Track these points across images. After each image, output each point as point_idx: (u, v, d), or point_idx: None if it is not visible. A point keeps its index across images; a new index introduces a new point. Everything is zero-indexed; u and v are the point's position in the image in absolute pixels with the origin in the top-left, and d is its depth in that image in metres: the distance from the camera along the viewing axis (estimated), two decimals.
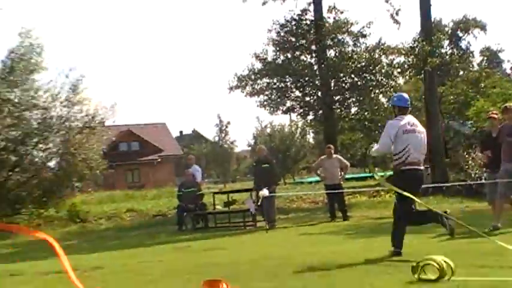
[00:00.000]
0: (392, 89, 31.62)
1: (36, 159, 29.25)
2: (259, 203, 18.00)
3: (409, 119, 10.17)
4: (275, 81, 32.59)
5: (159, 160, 75.20)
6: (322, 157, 21.39)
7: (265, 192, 17.46)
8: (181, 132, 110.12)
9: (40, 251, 14.23)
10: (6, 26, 52.61)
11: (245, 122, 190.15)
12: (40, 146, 28.63)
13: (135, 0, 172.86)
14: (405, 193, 9.44)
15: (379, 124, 31.15)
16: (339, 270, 8.61)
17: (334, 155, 20.87)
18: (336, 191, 20.05)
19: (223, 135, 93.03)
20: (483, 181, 17.38)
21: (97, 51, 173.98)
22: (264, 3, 32.78)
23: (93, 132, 28.85)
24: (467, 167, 27.49)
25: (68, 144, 28.23)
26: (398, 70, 32.28)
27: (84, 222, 27.03)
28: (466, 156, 28.40)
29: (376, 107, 32.47)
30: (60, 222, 27.04)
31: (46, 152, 29.06)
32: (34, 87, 28.41)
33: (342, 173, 20.65)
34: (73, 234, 23.65)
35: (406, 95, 10.78)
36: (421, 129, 10.28)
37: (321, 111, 32.54)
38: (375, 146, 10.69)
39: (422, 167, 10.24)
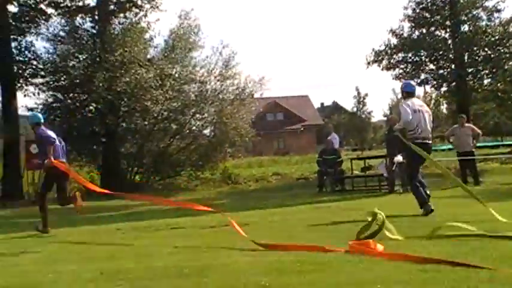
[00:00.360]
0: None
1: (194, 128, 30.25)
2: (393, 168, 17.80)
3: (415, 101, 11.74)
4: (410, 55, 32.13)
5: (302, 129, 75.70)
6: (455, 126, 20.85)
7: (399, 158, 17.23)
8: (322, 103, 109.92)
9: None
10: (167, 8, 54.00)
11: (381, 93, 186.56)
12: (197, 115, 29.62)
13: None
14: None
15: None
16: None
17: (467, 124, 20.32)
18: (468, 158, 19.55)
19: (361, 106, 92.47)
20: None
21: (247, 30, 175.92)
22: None
23: (243, 104, 29.45)
24: None
25: (221, 114, 28.97)
26: None
27: (235, 183, 27.75)
28: None
29: (509, 78, 31.19)
30: (214, 183, 27.94)
31: (202, 121, 30.02)
32: (192, 63, 29.35)
33: (474, 140, 20.07)
34: (225, 194, 24.33)
35: (412, 82, 13.45)
36: (427, 109, 11.73)
37: (454, 83, 31.68)
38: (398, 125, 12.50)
39: (430, 141, 11.79)
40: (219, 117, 29.13)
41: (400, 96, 76.85)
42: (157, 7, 29.23)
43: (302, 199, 18.51)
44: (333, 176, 21.25)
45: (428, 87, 36.23)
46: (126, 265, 7.47)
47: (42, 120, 12.22)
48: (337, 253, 7.16)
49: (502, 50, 30.68)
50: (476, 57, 31.53)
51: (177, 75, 28.76)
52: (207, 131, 30.78)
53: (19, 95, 28.44)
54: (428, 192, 11.40)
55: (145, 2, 29.35)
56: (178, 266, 7.14)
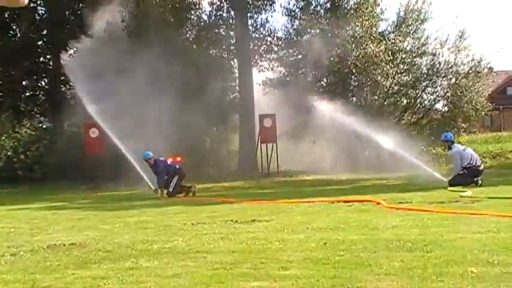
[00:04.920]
0: None
1: (425, 102, 29.45)
2: None
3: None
4: None
5: None
6: None
7: None
8: None
9: None
10: None
11: None
12: (429, 89, 28.87)
13: None
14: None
15: None
16: None
17: None
18: None
19: None
20: None
21: None
22: None
23: (479, 77, 28.15)
24: None
25: (454, 88, 27.99)
26: None
27: None
28: None
29: None
30: (447, 159, 27.11)
31: (434, 95, 29.17)
32: (424, 35, 28.57)
33: None
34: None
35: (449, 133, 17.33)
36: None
37: None
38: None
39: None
40: (453, 90, 28.11)
41: None
42: None
43: None
44: None
45: None
46: (349, 237, 7.56)
47: None
48: None
49: None
50: None
51: (408, 48, 28.24)
52: (439, 105, 29.85)
53: (254, 70, 29.62)
54: None
55: None
56: (402, 239, 7.09)
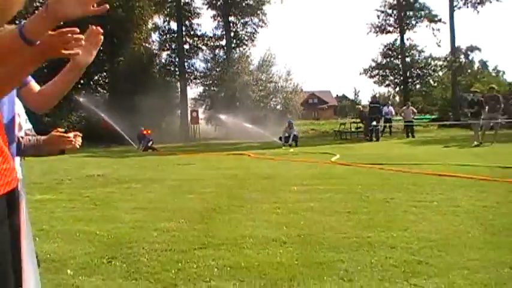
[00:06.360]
0: None
1: (272, 105, 29.36)
2: (370, 128, 17.10)
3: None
4: (381, 72, 30.83)
5: (326, 107, 73.87)
6: (404, 107, 19.89)
7: (374, 122, 16.59)
8: (337, 94, 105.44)
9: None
10: (260, 43, 51.75)
11: (367, 89, 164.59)
12: (273, 99, 29.05)
13: None
14: None
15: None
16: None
17: (411, 107, 19.10)
18: (409, 124, 18.54)
19: (356, 96, 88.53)
20: None
21: (301, 51, 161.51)
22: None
23: (297, 93, 28.73)
24: None
25: (285, 99, 28.46)
26: None
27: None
28: None
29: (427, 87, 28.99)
30: None
31: (276, 102, 29.37)
32: (272, 72, 28.77)
33: (413, 115, 18.93)
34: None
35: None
36: None
37: (402, 86, 30.15)
38: None
39: None
40: (285, 100, 28.57)
41: (375, 91, 74.27)
42: (255, 45, 29.34)
43: (326, 141, 18.08)
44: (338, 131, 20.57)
45: (390, 88, 34.66)
46: (236, 172, 7.55)
47: None
48: (345, 167, 6.97)
49: (426, 72, 29.14)
50: (413, 74, 29.85)
51: (264, 78, 28.33)
52: (279, 107, 30.15)
53: (188, 88, 29.01)
54: None
55: (250, 42, 29.46)
56: (261, 173, 7.17)
